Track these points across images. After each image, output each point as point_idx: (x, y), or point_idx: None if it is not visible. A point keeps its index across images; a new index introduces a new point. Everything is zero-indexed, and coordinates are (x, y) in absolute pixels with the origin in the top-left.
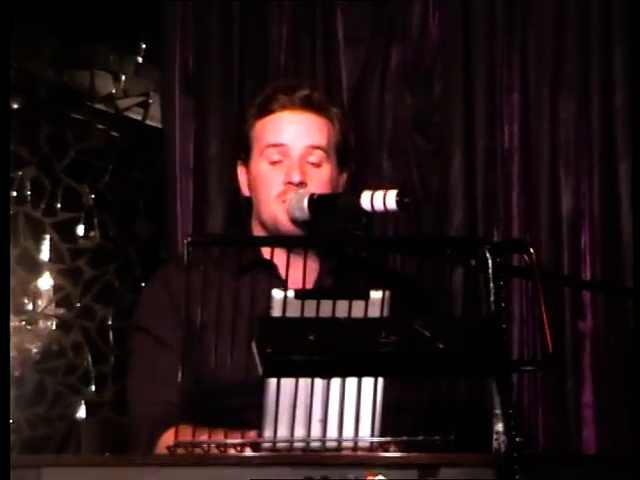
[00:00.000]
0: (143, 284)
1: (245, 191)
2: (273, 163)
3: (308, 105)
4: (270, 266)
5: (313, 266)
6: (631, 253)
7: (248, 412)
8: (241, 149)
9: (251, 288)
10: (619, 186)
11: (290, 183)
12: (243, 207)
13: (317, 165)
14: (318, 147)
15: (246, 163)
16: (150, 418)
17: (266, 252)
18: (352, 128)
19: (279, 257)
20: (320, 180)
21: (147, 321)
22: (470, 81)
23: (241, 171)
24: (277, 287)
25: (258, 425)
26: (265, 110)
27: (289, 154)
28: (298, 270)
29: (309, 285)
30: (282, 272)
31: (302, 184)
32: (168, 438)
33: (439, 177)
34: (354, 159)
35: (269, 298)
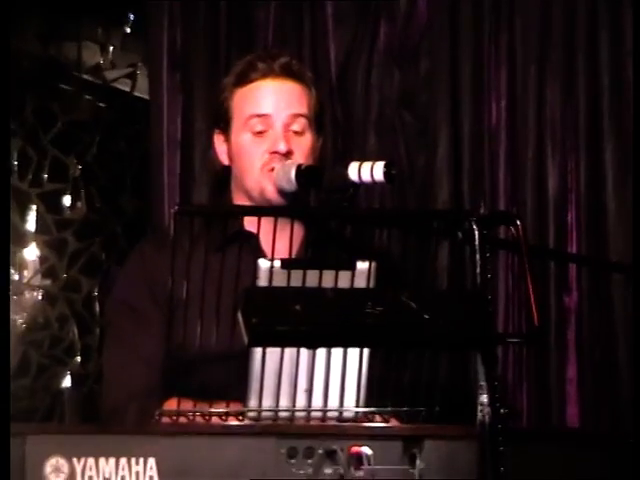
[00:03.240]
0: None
1: (224, 160)
2: (257, 134)
3: (288, 73)
4: (251, 237)
5: (295, 237)
6: (617, 229)
7: (227, 386)
8: (219, 118)
9: (232, 260)
10: (605, 163)
11: (276, 152)
12: (220, 176)
13: (300, 133)
14: (301, 115)
15: (225, 132)
16: (139, 393)
17: (247, 224)
18: (339, 106)
19: (260, 229)
20: (304, 148)
21: (126, 297)
22: (457, 59)
23: (219, 140)
24: (257, 258)
25: (238, 398)
26: (244, 79)
27: (273, 124)
28: (280, 240)
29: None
30: (263, 244)
31: (289, 153)
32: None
33: (425, 155)
34: (340, 136)
35: (250, 270)
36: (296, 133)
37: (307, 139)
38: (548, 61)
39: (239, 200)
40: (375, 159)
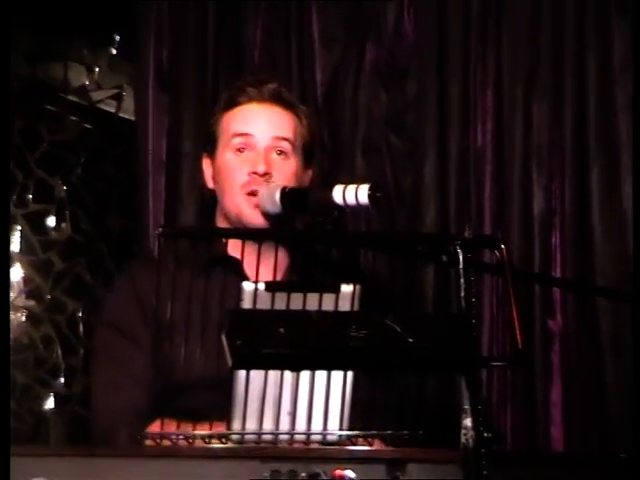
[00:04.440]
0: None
1: (210, 183)
2: (238, 150)
3: (276, 99)
4: (235, 263)
5: (280, 264)
6: (603, 252)
7: (213, 411)
8: (207, 142)
9: (216, 284)
10: (590, 186)
11: (255, 173)
12: (208, 201)
13: (284, 157)
14: (285, 139)
15: (212, 155)
16: (126, 419)
17: (232, 249)
18: (326, 127)
19: (244, 255)
20: (285, 171)
21: (116, 319)
22: (444, 81)
23: (206, 163)
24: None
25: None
26: (233, 103)
27: (255, 145)
28: (264, 267)
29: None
30: (246, 270)
31: (267, 175)
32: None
33: (412, 176)
34: (327, 158)
35: (234, 295)
36: (280, 155)
37: (291, 164)
38: (535, 83)
39: (220, 223)
40: (362, 180)
